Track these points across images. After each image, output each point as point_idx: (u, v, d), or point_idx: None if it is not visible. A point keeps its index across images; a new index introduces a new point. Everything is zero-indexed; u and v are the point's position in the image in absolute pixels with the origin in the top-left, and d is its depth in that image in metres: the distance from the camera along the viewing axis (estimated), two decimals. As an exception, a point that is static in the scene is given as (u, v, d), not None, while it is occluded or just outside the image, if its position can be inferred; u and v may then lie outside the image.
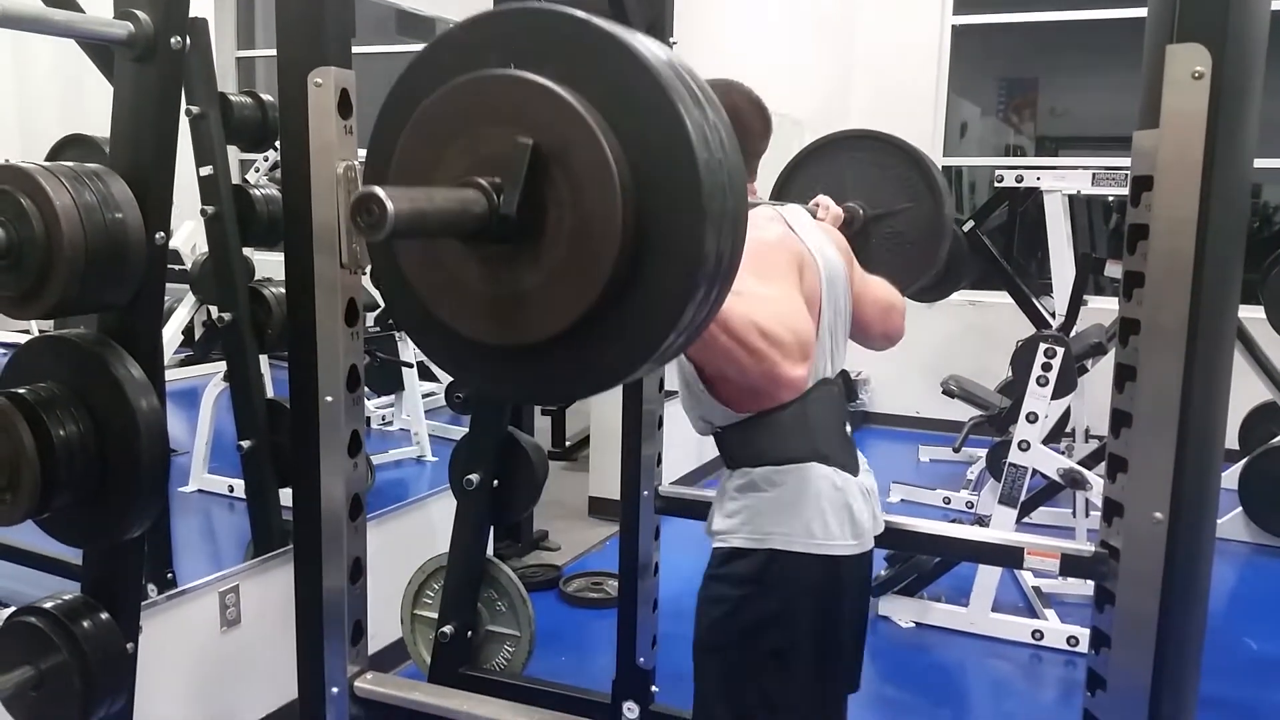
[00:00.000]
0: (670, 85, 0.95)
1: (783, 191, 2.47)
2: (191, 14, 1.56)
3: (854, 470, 1.70)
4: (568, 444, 5.55)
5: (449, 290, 1.04)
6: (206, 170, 2.75)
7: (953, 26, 6.34)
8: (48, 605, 1.52)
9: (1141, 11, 1.40)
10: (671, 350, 1.05)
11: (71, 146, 2.77)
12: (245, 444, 2.83)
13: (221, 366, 3.27)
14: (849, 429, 1.76)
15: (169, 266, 1.61)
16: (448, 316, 1.05)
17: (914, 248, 2.35)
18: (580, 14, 0.98)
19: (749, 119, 1.78)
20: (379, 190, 0.81)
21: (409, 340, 4.80)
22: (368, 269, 1.52)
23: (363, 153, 1.46)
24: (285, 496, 2.84)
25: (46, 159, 2.72)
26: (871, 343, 1.97)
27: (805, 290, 1.61)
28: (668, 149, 0.94)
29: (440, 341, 1.11)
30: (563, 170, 0.95)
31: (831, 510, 1.62)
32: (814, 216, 2.01)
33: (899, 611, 3.59)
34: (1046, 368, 3.51)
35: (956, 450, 4.58)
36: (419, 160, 1.02)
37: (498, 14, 1.04)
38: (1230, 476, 4.37)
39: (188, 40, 1.52)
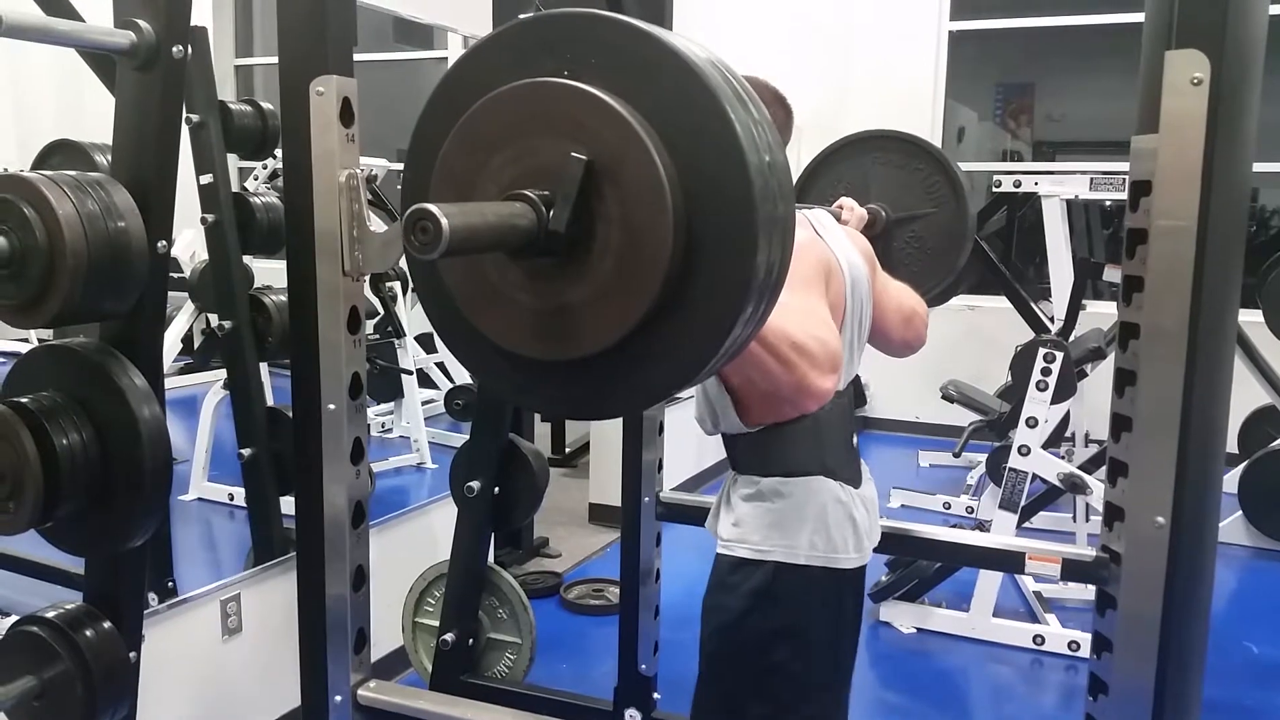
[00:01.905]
0: (720, 91, 0.93)
1: (805, 189, 2.45)
2: (191, 23, 1.56)
3: (857, 483, 1.70)
4: (568, 450, 5.55)
5: (491, 301, 1.01)
6: (206, 178, 2.76)
7: (950, 32, 6.35)
8: (50, 614, 1.52)
9: (1138, 17, 1.40)
10: (718, 365, 1.03)
11: (57, 153, 2.77)
12: (245, 452, 2.83)
13: (221, 374, 3.28)
14: (855, 439, 1.76)
15: (169, 274, 1.61)
16: (489, 328, 1.03)
17: (934, 252, 2.34)
18: (629, 20, 0.97)
19: (773, 112, 1.77)
20: (434, 208, 0.80)
21: (408, 348, 4.81)
22: (369, 276, 1.52)
23: (365, 160, 1.46)
24: (285, 504, 2.84)
25: (33, 166, 2.73)
26: (892, 349, 1.96)
27: (831, 298, 1.61)
28: (719, 160, 0.92)
29: (480, 352, 1.08)
30: (614, 186, 0.93)
31: (836, 524, 1.62)
32: (838, 219, 2.00)
33: (900, 617, 3.58)
34: (1046, 372, 3.51)
35: (956, 455, 4.58)
36: (465, 166, 1.00)
37: (548, 18, 1.01)
38: (1230, 480, 4.37)
39: (189, 49, 1.52)
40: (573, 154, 0.92)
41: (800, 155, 6.00)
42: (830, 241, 1.70)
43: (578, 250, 0.95)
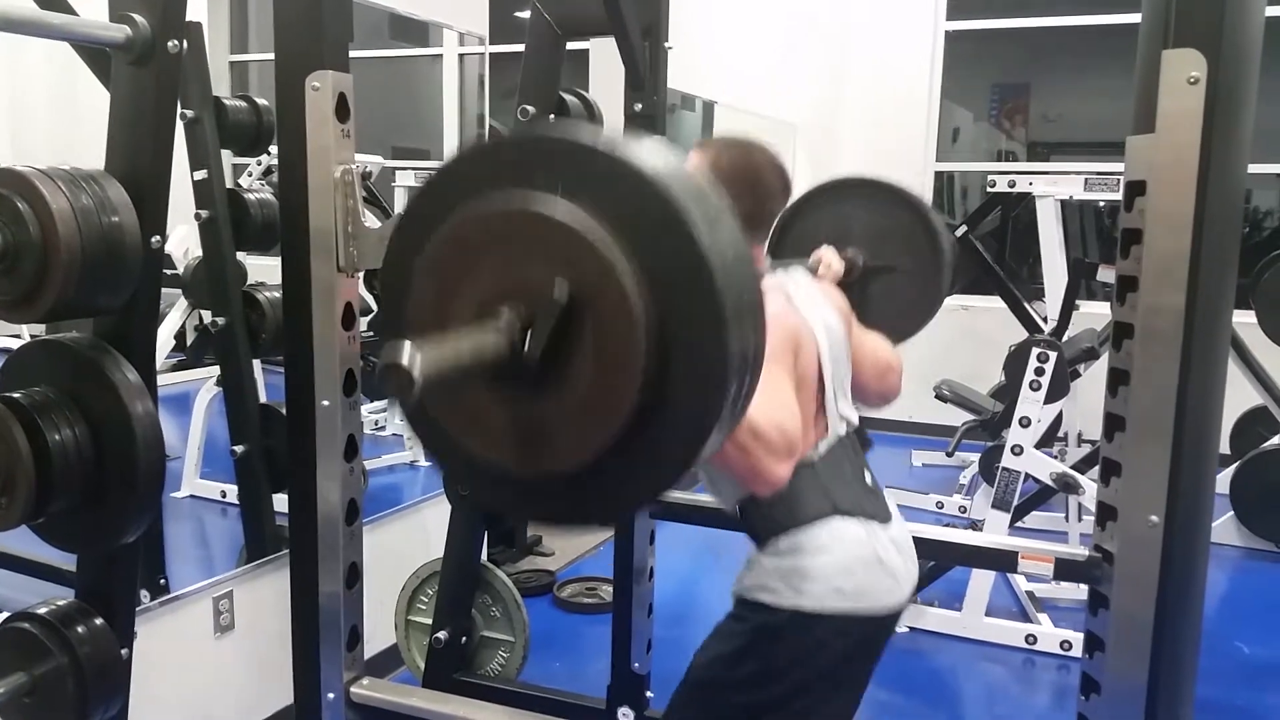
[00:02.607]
0: (685, 211, 0.94)
1: (787, 228, 2.46)
2: (186, 18, 1.56)
3: (883, 519, 1.68)
4: (561, 449, 5.54)
5: (468, 416, 1.03)
6: (201, 174, 2.75)
7: (945, 32, 6.36)
8: (42, 611, 1.52)
9: (1133, 18, 1.41)
10: (697, 467, 1.05)
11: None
12: (238, 449, 2.82)
13: (215, 371, 3.26)
14: (870, 478, 1.75)
15: (163, 270, 1.60)
16: (467, 442, 1.05)
17: (906, 304, 2.35)
18: (612, 145, 0.98)
19: (769, 181, 1.77)
20: (405, 356, 0.82)
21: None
22: (364, 272, 1.52)
23: (360, 157, 1.46)
24: (279, 502, 2.84)
25: None
26: (868, 402, 1.97)
27: (801, 368, 1.62)
28: (688, 282, 0.94)
29: (461, 463, 1.10)
30: (590, 318, 0.94)
31: (861, 565, 1.59)
32: (815, 272, 2.02)
33: (893, 616, 3.59)
34: (1039, 372, 3.52)
35: (950, 455, 4.59)
36: (450, 268, 1.01)
37: (550, 140, 1.03)
38: (1222, 481, 4.39)
39: (184, 44, 1.51)
40: (555, 291, 0.94)
41: (795, 154, 6.02)
42: (804, 307, 1.71)
43: (550, 373, 0.97)
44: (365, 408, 4.90)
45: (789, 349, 1.59)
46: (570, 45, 2.78)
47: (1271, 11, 1.38)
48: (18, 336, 3.82)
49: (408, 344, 0.82)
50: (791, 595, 1.58)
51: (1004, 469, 3.52)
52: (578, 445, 0.98)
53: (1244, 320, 4.14)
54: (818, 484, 1.63)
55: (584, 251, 0.94)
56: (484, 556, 2.87)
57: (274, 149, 1.49)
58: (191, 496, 4.04)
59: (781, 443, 1.45)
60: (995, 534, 3.40)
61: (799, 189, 5.83)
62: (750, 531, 1.66)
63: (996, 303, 4.81)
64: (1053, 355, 3.52)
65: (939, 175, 6.62)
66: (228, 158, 3.02)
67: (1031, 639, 3.42)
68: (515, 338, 0.94)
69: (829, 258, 2.12)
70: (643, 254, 0.94)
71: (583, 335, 0.95)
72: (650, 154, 0.98)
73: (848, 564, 1.58)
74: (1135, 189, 1.37)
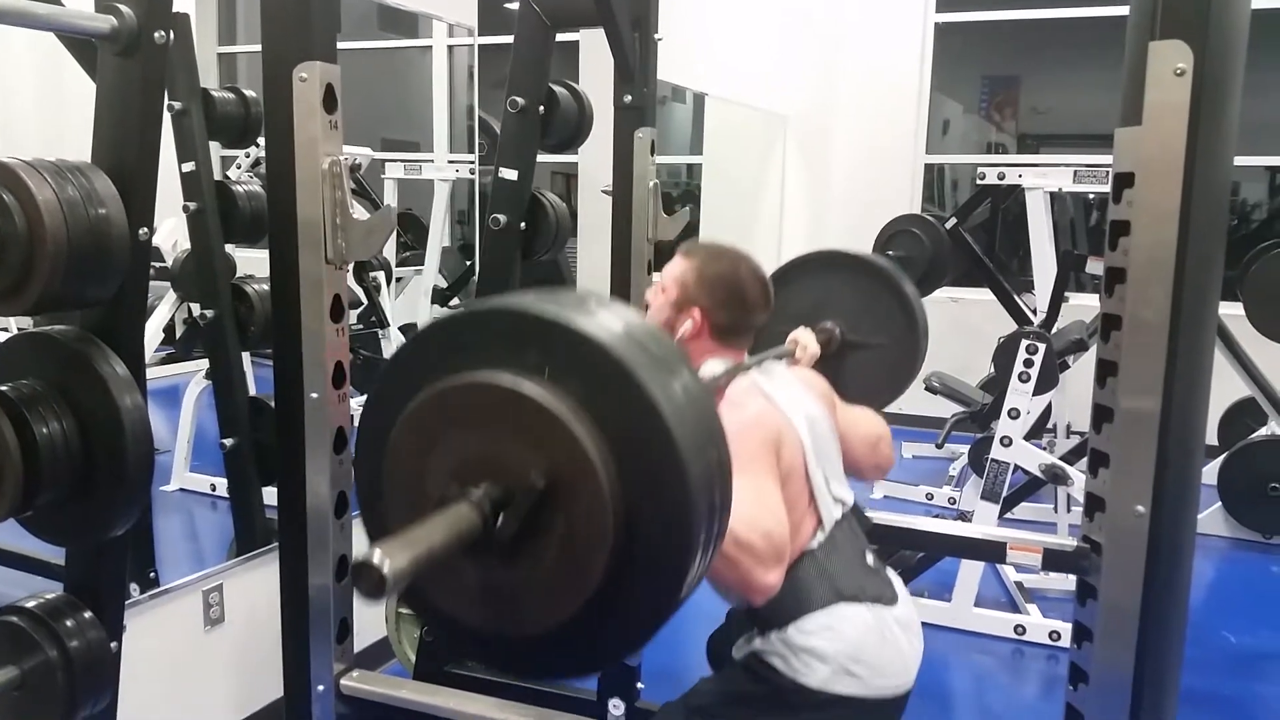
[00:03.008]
0: (655, 393, 0.97)
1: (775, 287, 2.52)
2: (173, 9, 1.55)
3: (889, 599, 1.70)
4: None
5: (442, 581, 1.05)
6: (188, 166, 2.74)
7: (935, 24, 6.36)
8: (30, 604, 1.51)
9: (1122, 10, 1.41)
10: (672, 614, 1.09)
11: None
12: (228, 442, 2.82)
13: (203, 364, 3.25)
14: (872, 558, 1.76)
15: (151, 263, 1.60)
16: (442, 604, 1.08)
17: (878, 381, 2.39)
18: (599, 332, 1.00)
19: (751, 293, 1.83)
20: (376, 557, 0.85)
21: (392, 338, 4.80)
22: (352, 265, 1.51)
23: (349, 149, 1.45)
24: (268, 494, 2.83)
25: None
26: (864, 476, 2.01)
27: (785, 464, 1.63)
28: (663, 481, 0.97)
29: (437, 620, 1.14)
30: (562, 499, 0.98)
31: (870, 650, 1.62)
32: (793, 354, 2.06)
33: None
34: (1028, 364, 3.53)
35: (939, 446, 4.61)
36: (420, 444, 1.04)
37: (542, 320, 1.04)
38: (1209, 472, 4.41)
39: (171, 35, 1.50)
40: (532, 477, 0.97)
41: (787, 146, 6.02)
42: (782, 403, 1.73)
43: (521, 546, 1.00)
44: (355, 400, 4.90)
45: (770, 450, 1.62)
46: (560, 37, 2.77)
47: (1258, 4, 1.38)
48: (5, 330, 3.81)
49: (378, 550, 0.85)
50: (803, 671, 1.60)
51: (993, 460, 3.54)
52: (548, 611, 1.02)
53: (1232, 312, 4.16)
54: (821, 572, 1.65)
55: (562, 438, 0.97)
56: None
57: (262, 141, 1.48)
58: (181, 490, 4.02)
59: (769, 551, 1.47)
60: (984, 525, 3.42)
61: (789, 181, 5.83)
62: (757, 619, 1.66)
63: (986, 295, 4.83)
64: (1041, 347, 3.53)
65: (929, 167, 6.63)
66: (216, 150, 3.00)
67: (1020, 629, 3.44)
68: (488, 514, 0.97)
69: (805, 339, 2.14)
70: (613, 434, 0.98)
71: (555, 514, 0.99)
72: (623, 332, 1.02)
73: (856, 649, 1.61)
74: (1123, 181, 1.38)
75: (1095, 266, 4.52)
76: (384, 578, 0.84)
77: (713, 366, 1.77)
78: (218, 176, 2.92)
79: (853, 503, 1.81)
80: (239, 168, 3.83)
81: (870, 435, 1.98)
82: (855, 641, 1.62)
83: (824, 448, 1.77)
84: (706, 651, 2.04)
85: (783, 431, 1.67)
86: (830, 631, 1.61)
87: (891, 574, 1.81)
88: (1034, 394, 3.57)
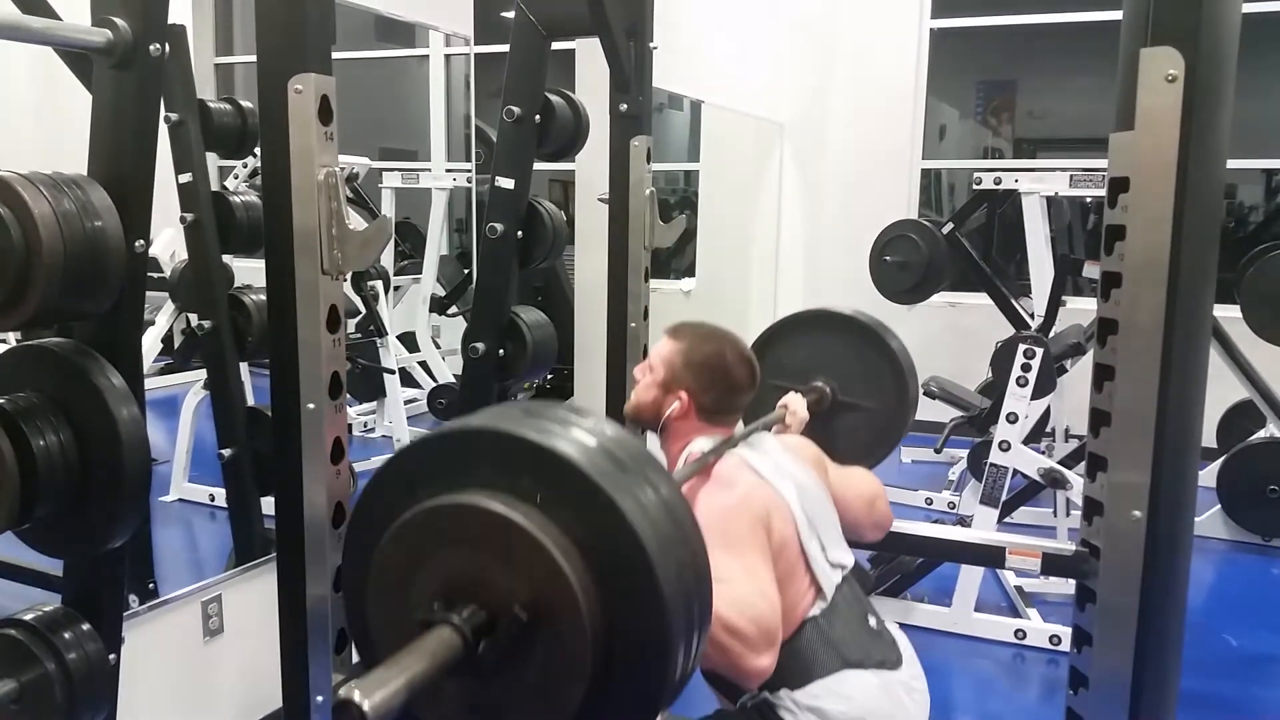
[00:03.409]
0: (644, 531, 1.00)
1: (762, 351, 2.56)
2: (169, 21, 1.55)
3: (894, 663, 1.71)
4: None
5: (422, 694, 1.06)
6: (185, 177, 2.74)
7: (931, 30, 6.38)
8: (28, 617, 1.51)
9: (1117, 14, 1.41)
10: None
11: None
12: (226, 452, 2.82)
13: (201, 374, 3.26)
14: (875, 621, 1.77)
15: (148, 274, 1.60)
16: (419, 711, 1.09)
17: (865, 441, 2.42)
18: (590, 466, 1.02)
19: (736, 375, 1.85)
20: (356, 696, 0.88)
21: (390, 347, 4.80)
22: (349, 275, 1.52)
23: (345, 159, 1.46)
24: (267, 505, 2.83)
25: None
26: (865, 536, 2.01)
27: (776, 541, 1.64)
28: (642, 605, 1.00)
29: None
30: (544, 626, 1.00)
31: (877, 713, 1.62)
32: (783, 419, 2.08)
33: (882, 612, 3.59)
34: (1026, 368, 3.53)
35: (938, 451, 4.60)
36: (403, 560, 1.07)
37: (506, 437, 1.06)
38: (1208, 474, 4.41)
39: (167, 47, 1.51)
40: (516, 608, 1.00)
41: (783, 153, 6.03)
42: (771, 474, 1.74)
43: (502, 668, 1.03)
44: (353, 410, 4.90)
45: (760, 527, 1.63)
46: (556, 45, 2.78)
47: (1249, 9, 1.38)
48: (3, 342, 3.81)
49: (357, 690, 0.88)
50: None
51: (992, 465, 3.53)
52: None
53: (1230, 315, 4.16)
54: (825, 640, 1.66)
55: (550, 572, 0.99)
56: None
57: (259, 151, 1.49)
58: (180, 500, 4.03)
59: (759, 636, 1.48)
60: (984, 530, 3.41)
61: (786, 187, 5.82)
62: (764, 687, 1.66)
63: (983, 299, 4.83)
64: (1039, 351, 3.54)
65: (926, 173, 6.64)
66: (213, 160, 3.01)
67: (1021, 634, 3.44)
68: (470, 640, 0.99)
69: (795, 405, 2.16)
70: (597, 565, 1.01)
71: (536, 644, 1.01)
72: (616, 466, 1.04)
73: (863, 714, 1.62)
74: (1119, 185, 1.38)
75: (1092, 271, 4.52)
76: (365, 715, 0.87)
77: (700, 444, 1.80)
78: (215, 187, 2.93)
79: (852, 565, 1.82)
80: (236, 178, 3.84)
81: (866, 494, 1.99)
82: (863, 707, 1.63)
83: (817, 515, 1.77)
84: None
85: (772, 506, 1.68)
86: (836, 697, 1.62)
87: (896, 632, 1.81)
88: (1032, 398, 3.57)
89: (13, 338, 3.49)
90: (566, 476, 1.02)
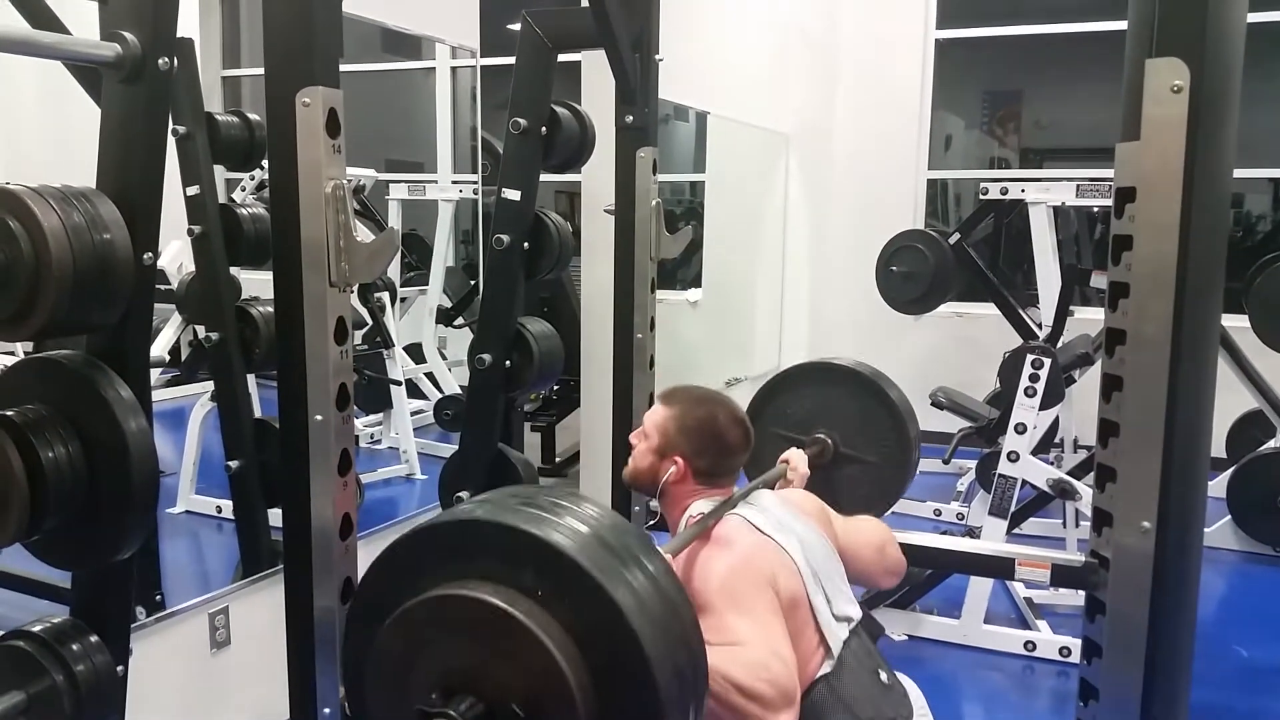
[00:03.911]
0: (634, 619, 1.02)
1: (766, 401, 2.59)
2: (178, 34, 1.56)
3: (905, 719, 1.71)
4: (558, 460, 5.54)
5: None
6: (193, 190, 2.75)
7: (936, 40, 6.38)
8: (36, 629, 1.51)
9: (1123, 25, 1.42)
10: None
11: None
12: (233, 464, 2.82)
13: (209, 386, 3.26)
14: (886, 674, 1.76)
15: (156, 286, 1.60)
16: None
17: (866, 495, 2.45)
18: (559, 542, 1.05)
19: (730, 438, 1.87)
20: None
21: (397, 358, 4.80)
22: (356, 287, 1.52)
23: (352, 171, 1.46)
24: (274, 516, 2.83)
25: None
26: (878, 582, 2.02)
27: (785, 598, 1.64)
28: (635, 694, 1.02)
29: None
30: (538, 713, 1.02)
31: None
32: (784, 474, 2.09)
33: (891, 624, 3.58)
34: (1034, 378, 3.52)
35: (946, 462, 4.59)
36: (403, 645, 1.09)
37: (511, 530, 1.08)
38: (1218, 485, 4.39)
39: (175, 61, 1.52)
40: (514, 707, 1.02)
41: (789, 165, 6.03)
42: (773, 531, 1.74)
43: None
44: (360, 421, 4.91)
45: (766, 585, 1.63)
46: (561, 58, 2.79)
47: (1254, 19, 1.38)
48: (11, 354, 3.82)
49: None
50: None
51: (1000, 475, 3.52)
52: None
53: (1238, 324, 4.15)
54: (835, 698, 1.65)
55: (549, 671, 1.01)
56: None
57: (267, 164, 1.49)
58: (187, 512, 4.02)
59: (777, 697, 1.48)
60: (993, 541, 3.40)
61: (792, 198, 5.83)
62: None
63: (991, 309, 4.82)
64: (1047, 361, 3.53)
65: (932, 183, 6.64)
66: (220, 173, 3.02)
67: (1030, 645, 3.42)
68: None
69: (796, 460, 2.17)
70: (594, 660, 1.03)
71: None
72: (614, 565, 1.06)
73: None
74: (1125, 195, 1.38)
75: (1099, 280, 4.52)
76: None
77: (700, 506, 1.81)
78: (222, 200, 2.94)
79: (860, 617, 1.81)
80: (243, 190, 3.85)
81: (875, 542, 1.99)
82: None
83: (822, 568, 1.77)
84: None
85: (777, 563, 1.68)
86: None
87: (907, 683, 1.81)
88: (1040, 409, 3.56)
89: (21, 350, 3.51)
90: (566, 572, 1.04)
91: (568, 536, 1.06)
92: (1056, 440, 4.77)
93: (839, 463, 2.45)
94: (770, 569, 1.65)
